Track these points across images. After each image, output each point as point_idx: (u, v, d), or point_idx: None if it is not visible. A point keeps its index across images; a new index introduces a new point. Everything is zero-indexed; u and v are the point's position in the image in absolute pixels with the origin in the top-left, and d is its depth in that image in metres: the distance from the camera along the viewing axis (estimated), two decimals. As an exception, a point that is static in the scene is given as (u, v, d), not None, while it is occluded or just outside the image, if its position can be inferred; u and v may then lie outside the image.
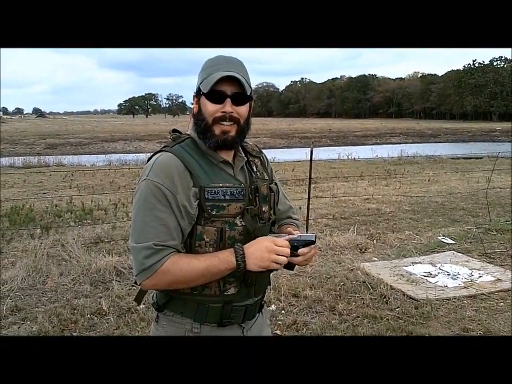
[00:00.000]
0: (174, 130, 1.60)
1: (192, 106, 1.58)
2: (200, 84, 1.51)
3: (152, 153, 1.55)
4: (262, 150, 1.74)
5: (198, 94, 1.53)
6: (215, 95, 1.48)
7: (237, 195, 1.50)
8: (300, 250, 1.49)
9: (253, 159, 1.66)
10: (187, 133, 1.58)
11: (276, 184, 1.70)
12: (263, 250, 1.43)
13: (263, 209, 1.59)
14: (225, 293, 1.52)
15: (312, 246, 1.52)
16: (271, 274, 1.65)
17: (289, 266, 1.53)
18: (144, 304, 4.33)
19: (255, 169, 1.63)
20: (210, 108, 1.50)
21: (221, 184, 1.48)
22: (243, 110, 1.52)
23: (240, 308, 1.56)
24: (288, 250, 1.46)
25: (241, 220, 1.51)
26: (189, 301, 1.51)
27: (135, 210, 1.47)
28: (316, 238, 1.53)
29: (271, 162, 1.75)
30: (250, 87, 1.55)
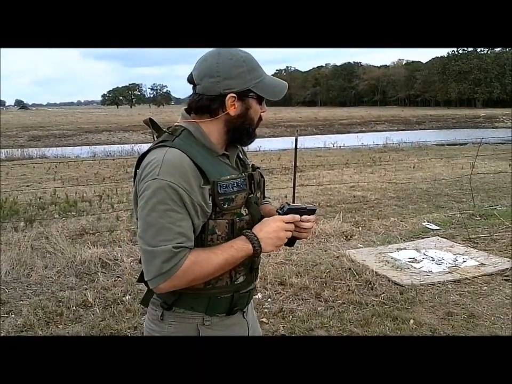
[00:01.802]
0: (151, 120, 1.53)
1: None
2: (253, 86, 1.47)
3: (150, 147, 1.46)
4: None
5: (245, 94, 1.48)
6: (262, 98, 1.51)
7: (241, 185, 1.49)
8: (304, 217, 1.55)
9: None
10: (179, 124, 1.51)
11: (258, 168, 1.71)
12: (278, 231, 1.48)
13: (257, 195, 1.60)
14: (235, 282, 1.53)
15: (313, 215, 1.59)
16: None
17: (291, 242, 1.59)
18: (130, 295, 4.32)
19: (241, 156, 1.63)
20: (258, 110, 1.53)
21: (228, 177, 1.47)
22: None
23: (245, 294, 1.59)
24: (293, 226, 1.53)
25: (245, 209, 1.51)
26: (200, 296, 1.50)
27: (146, 211, 1.38)
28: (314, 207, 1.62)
29: (256, 151, 1.75)
30: None
